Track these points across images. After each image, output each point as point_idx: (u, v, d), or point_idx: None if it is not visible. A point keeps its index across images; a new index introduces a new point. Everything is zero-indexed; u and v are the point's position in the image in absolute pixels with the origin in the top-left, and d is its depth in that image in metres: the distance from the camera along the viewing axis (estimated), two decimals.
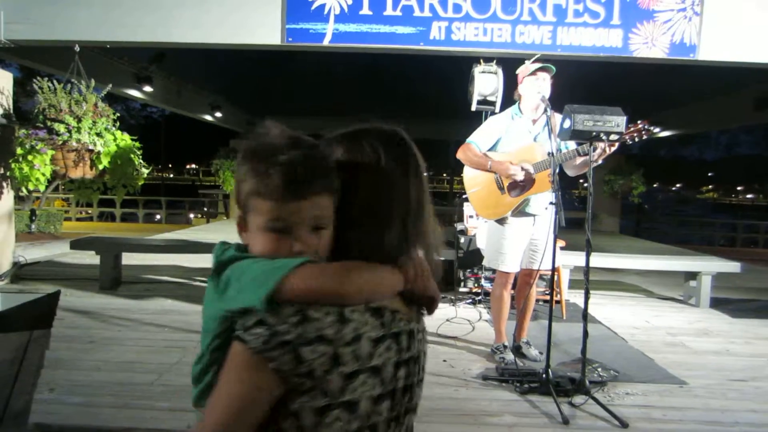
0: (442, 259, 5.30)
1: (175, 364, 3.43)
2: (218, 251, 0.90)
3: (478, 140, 3.61)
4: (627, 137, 3.17)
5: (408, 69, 8.10)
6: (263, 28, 4.73)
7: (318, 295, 0.80)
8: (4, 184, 5.03)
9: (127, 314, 4.49)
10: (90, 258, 5.94)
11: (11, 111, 5.05)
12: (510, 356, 3.63)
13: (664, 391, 3.28)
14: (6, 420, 2.96)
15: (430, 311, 1.00)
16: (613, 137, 2.98)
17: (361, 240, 0.90)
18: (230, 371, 0.80)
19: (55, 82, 4.73)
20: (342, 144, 0.94)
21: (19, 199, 12.53)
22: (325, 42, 4.69)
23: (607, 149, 3.12)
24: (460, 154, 3.64)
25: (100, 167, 4.74)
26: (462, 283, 5.45)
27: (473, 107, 5.15)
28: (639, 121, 3.21)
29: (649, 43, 4.63)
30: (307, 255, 0.85)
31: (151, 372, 3.29)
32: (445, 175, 38.40)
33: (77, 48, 4.88)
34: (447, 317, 4.73)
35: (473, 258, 5.30)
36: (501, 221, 3.61)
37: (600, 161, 3.19)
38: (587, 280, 3.07)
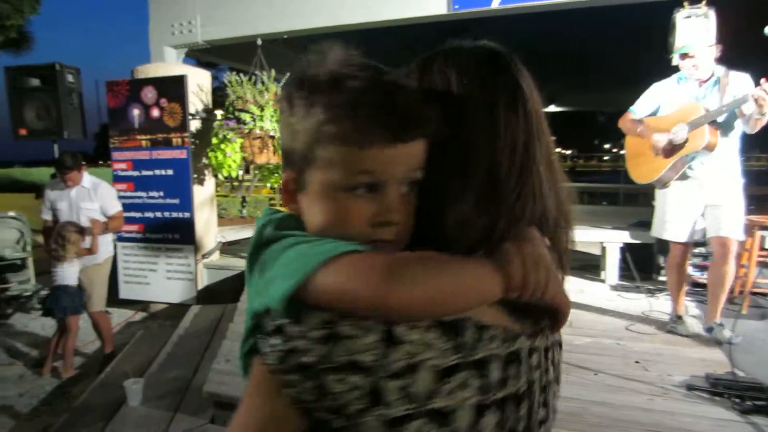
0: (638, 242, 4.60)
1: None
2: (259, 224, 0.67)
3: (636, 106, 3.61)
4: None
5: (580, 32, 7.21)
6: None
7: (354, 304, 0.55)
8: (206, 172, 5.62)
9: None
10: None
11: (210, 106, 5.60)
12: (684, 327, 3.46)
13: None
14: (192, 385, 3.25)
15: (555, 327, 0.69)
16: None
17: (427, 213, 0.64)
18: (247, 391, 0.60)
19: (241, 75, 5.11)
20: (413, 75, 0.68)
21: (232, 188, 14.39)
22: (494, 5, 4.31)
23: None
24: (619, 122, 3.69)
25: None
26: (662, 271, 4.65)
27: (675, 61, 4.28)
28: None
29: None
30: (393, 227, 0.62)
31: None
32: None
33: (259, 42, 5.22)
34: (641, 310, 4.05)
35: None
36: (663, 186, 3.50)
37: None
38: None
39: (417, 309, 0.56)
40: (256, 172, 6.18)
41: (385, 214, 0.62)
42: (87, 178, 4.23)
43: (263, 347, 0.58)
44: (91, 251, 4.11)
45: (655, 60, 4.60)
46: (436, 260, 0.59)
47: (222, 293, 5.40)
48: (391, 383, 0.55)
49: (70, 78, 5.09)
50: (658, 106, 3.54)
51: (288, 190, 0.68)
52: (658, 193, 3.59)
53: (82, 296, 4.14)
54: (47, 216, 4.29)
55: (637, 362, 3.10)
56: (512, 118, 0.65)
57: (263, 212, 0.69)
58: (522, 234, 0.63)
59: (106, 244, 4.34)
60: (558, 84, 12.62)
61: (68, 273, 4.04)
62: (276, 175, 5.61)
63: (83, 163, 4.25)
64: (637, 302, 4.24)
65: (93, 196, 4.22)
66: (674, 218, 3.45)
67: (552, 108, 12.61)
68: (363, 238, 0.61)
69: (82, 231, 4.05)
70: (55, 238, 3.95)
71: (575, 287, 4.51)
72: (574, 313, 3.85)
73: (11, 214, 6.12)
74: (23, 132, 5.03)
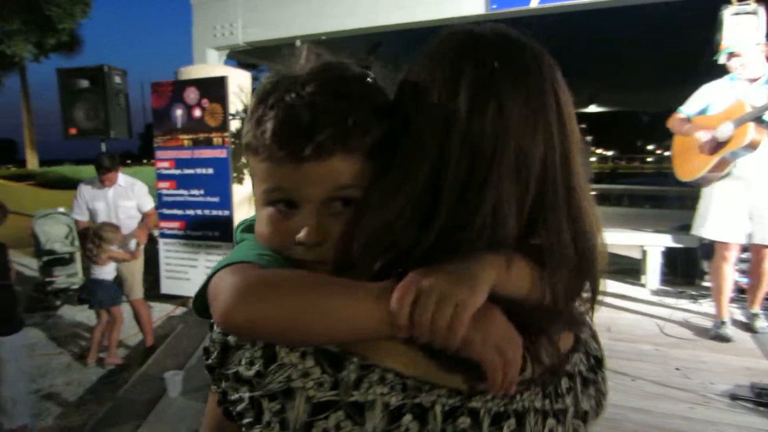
0: (680, 246, 4.47)
1: None
2: (236, 226, 0.72)
3: (685, 105, 3.61)
4: None
5: (620, 30, 7.04)
6: None
7: (213, 314, 0.55)
8: (245, 171, 5.73)
9: None
10: None
11: None
12: (727, 331, 3.37)
13: None
14: None
15: (493, 385, 0.52)
16: None
17: (358, 224, 0.56)
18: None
19: None
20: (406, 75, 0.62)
21: None
22: (533, 4, 4.27)
23: None
24: (668, 122, 3.69)
25: None
26: (705, 276, 4.50)
27: (722, 60, 4.14)
28: None
29: None
30: (312, 248, 0.58)
31: None
32: None
33: (299, 43, 5.29)
34: (683, 316, 3.93)
35: None
36: (707, 184, 3.48)
37: None
38: None
39: (265, 330, 0.52)
40: None
41: (298, 234, 0.58)
42: (122, 177, 4.42)
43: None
44: (134, 256, 4.30)
45: (700, 59, 4.47)
46: (303, 281, 0.54)
47: None
48: (268, 404, 0.52)
49: (117, 79, 5.27)
50: (708, 105, 3.52)
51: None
52: (704, 192, 3.57)
53: (118, 289, 4.31)
54: (81, 216, 4.47)
55: (677, 369, 3.02)
56: (476, 118, 0.53)
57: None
58: (464, 259, 0.52)
59: None
60: (599, 84, 12.33)
61: (104, 268, 4.20)
62: None
63: (128, 162, 4.42)
64: (678, 308, 4.12)
65: (130, 194, 4.42)
66: (716, 216, 3.41)
67: (592, 108, 12.32)
68: (289, 254, 0.60)
69: (118, 230, 4.20)
70: (91, 238, 4.11)
71: (614, 291, 4.41)
72: (612, 317, 3.80)
73: (61, 210, 6.39)
74: (73, 131, 5.23)
